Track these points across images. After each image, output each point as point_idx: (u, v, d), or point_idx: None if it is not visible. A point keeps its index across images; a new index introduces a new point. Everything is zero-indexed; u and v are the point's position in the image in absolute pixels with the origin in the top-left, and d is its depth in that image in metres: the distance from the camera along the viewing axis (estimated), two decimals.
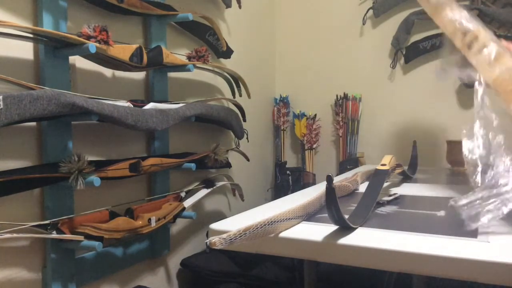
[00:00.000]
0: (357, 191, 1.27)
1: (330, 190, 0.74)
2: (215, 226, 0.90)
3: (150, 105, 1.46)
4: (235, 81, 2.03)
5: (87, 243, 1.21)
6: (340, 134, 2.50)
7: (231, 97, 2.07)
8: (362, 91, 2.48)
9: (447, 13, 0.64)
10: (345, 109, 2.47)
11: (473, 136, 0.71)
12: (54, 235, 1.18)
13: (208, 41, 1.94)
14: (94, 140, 1.42)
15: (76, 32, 1.20)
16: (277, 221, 0.79)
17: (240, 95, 2.07)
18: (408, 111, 2.40)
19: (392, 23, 2.39)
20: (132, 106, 1.39)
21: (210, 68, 1.87)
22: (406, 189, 1.34)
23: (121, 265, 1.50)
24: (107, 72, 1.47)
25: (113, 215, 1.35)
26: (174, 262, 1.80)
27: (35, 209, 1.22)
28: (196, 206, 1.91)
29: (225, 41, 2.01)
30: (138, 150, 1.60)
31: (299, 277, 1.81)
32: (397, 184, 1.44)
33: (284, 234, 0.82)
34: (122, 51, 1.29)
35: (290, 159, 2.68)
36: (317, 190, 1.23)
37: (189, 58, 1.68)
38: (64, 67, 1.25)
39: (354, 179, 1.26)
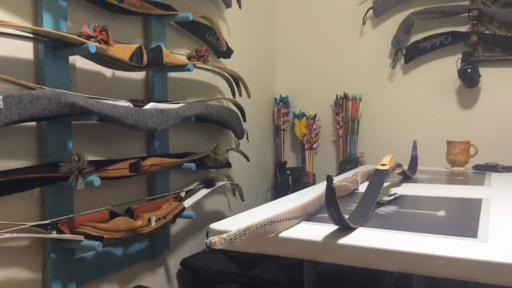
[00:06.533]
0: (357, 191, 1.27)
1: (330, 190, 0.74)
2: (215, 226, 0.90)
3: (150, 105, 1.46)
4: (235, 81, 2.03)
5: (87, 243, 1.21)
6: (340, 134, 2.50)
7: (231, 97, 2.07)
8: (362, 91, 2.48)
9: None
10: (345, 109, 2.47)
11: None
12: (54, 235, 1.18)
13: (208, 41, 1.94)
14: (94, 140, 1.42)
15: (76, 32, 1.20)
16: (277, 221, 0.79)
17: (240, 95, 2.07)
18: (408, 111, 2.40)
19: (392, 23, 2.39)
20: (132, 106, 1.39)
21: (210, 68, 1.87)
22: (406, 189, 1.34)
23: (121, 265, 1.50)
24: (107, 72, 1.47)
25: (113, 215, 1.35)
26: (174, 262, 1.80)
27: (35, 209, 1.22)
28: (196, 206, 1.91)
29: (225, 41, 2.01)
30: (138, 150, 1.60)
31: (299, 277, 1.81)
32: (397, 184, 1.44)
33: (284, 234, 0.82)
34: (122, 51, 1.29)
35: (290, 159, 2.68)
36: (317, 190, 1.23)
37: (189, 58, 1.68)
38: (64, 67, 1.25)
39: (354, 179, 1.26)
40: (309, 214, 0.94)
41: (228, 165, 2.04)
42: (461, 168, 1.93)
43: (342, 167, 2.42)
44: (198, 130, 1.94)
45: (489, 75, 2.21)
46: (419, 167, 1.74)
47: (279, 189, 2.52)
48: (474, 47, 2.22)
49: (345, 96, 2.48)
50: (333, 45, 2.56)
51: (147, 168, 1.43)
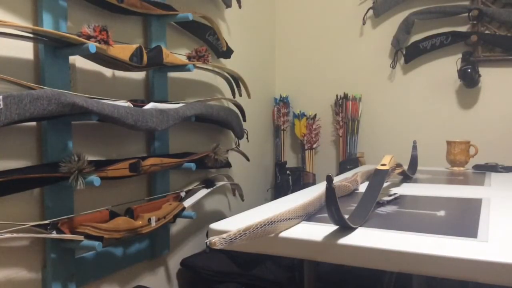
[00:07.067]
0: (357, 191, 1.27)
1: (330, 190, 0.74)
2: (215, 226, 0.90)
3: (150, 105, 1.46)
4: (235, 81, 2.03)
5: (87, 243, 1.21)
6: (340, 134, 2.50)
7: (231, 97, 2.07)
8: (362, 91, 2.48)
9: None
10: (345, 109, 2.47)
11: None
12: (54, 235, 1.18)
13: (208, 41, 1.94)
14: (94, 140, 1.42)
15: (76, 32, 1.20)
16: (277, 221, 0.79)
17: (240, 95, 2.07)
18: (408, 111, 2.40)
19: (392, 23, 2.39)
20: (132, 106, 1.39)
21: (210, 68, 1.87)
22: (406, 189, 1.34)
23: (121, 265, 1.50)
24: (107, 72, 1.47)
25: (113, 215, 1.35)
26: (174, 262, 1.80)
27: (35, 209, 1.22)
28: (196, 206, 1.91)
29: (225, 41, 2.01)
30: (138, 150, 1.60)
31: (299, 277, 1.81)
32: (397, 184, 1.44)
33: (284, 234, 0.82)
34: (122, 51, 1.29)
35: (290, 159, 2.68)
36: (317, 190, 1.23)
37: (189, 58, 1.68)
38: (64, 67, 1.25)
39: (354, 179, 1.26)
40: (309, 214, 0.94)
41: (228, 165, 2.04)
42: (461, 168, 1.93)
43: (342, 167, 2.42)
44: (198, 130, 1.94)
45: (489, 75, 2.21)
46: (419, 167, 1.74)
47: (279, 189, 2.52)
48: (474, 47, 2.22)
49: (345, 96, 2.48)
50: (333, 45, 2.56)
51: (147, 168, 1.43)
